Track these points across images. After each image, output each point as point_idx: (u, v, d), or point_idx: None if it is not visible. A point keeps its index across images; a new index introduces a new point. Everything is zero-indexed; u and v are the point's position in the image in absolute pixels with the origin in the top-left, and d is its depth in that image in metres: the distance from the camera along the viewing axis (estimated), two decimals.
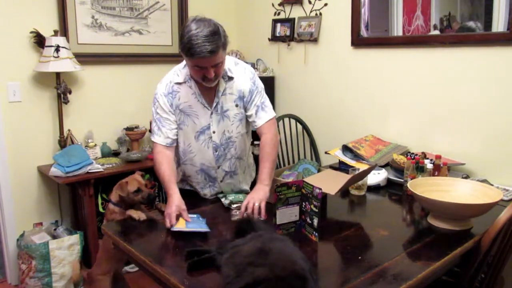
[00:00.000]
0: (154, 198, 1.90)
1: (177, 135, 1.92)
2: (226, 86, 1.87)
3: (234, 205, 1.84)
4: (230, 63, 1.90)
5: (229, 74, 1.87)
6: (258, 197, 1.70)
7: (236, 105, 1.90)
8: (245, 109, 1.93)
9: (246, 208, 1.68)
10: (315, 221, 1.52)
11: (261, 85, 1.96)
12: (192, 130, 1.90)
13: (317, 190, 1.50)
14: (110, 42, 3.00)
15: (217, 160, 1.95)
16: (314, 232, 1.53)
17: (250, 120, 1.95)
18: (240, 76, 1.90)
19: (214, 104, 1.87)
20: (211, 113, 1.88)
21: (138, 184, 1.88)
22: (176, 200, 1.70)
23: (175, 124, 1.89)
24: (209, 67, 1.69)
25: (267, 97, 1.97)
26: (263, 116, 1.92)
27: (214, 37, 1.64)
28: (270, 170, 1.83)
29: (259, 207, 1.67)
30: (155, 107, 1.90)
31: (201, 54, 1.63)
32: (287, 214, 1.58)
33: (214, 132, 1.90)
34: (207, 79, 1.74)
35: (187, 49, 1.65)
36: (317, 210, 1.51)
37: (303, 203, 1.58)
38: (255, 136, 2.04)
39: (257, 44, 3.49)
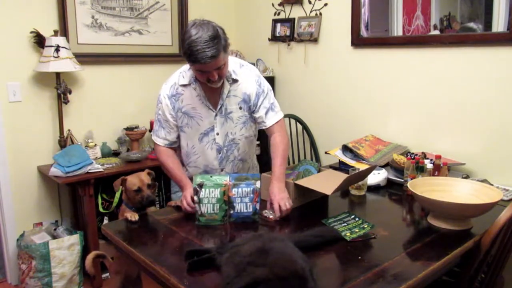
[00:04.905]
0: (151, 202, 1.83)
1: (177, 138, 1.93)
2: (231, 89, 1.87)
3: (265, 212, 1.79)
4: (235, 65, 1.89)
5: (234, 76, 1.86)
6: (286, 197, 1.74)
7: (240, 108, 1.90)
8: (252, 112, 1.93)
9: (279, 209, 1.71)
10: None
11: (268, 87, 1.95)
12: (196, 132, 1.90)
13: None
14: (110, 42, 3.00)
15: (220, 162, 1.96)
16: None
17: (259, 121, 1.95)
18: (245, 79, 1.89)
19: (219, 106, 1.87)
20: (215, 115, 1.88)
21: (139, 183, 1.82)
22: (189, 187, 1.79)
23: (175, 128, 1.91)
24: (212, 71, 1.69)
25: (274, 98, 1.98)
26: (273, 116, 1.93)
27: (214, 41, 1.62)
28: (284, 168, 1.88)
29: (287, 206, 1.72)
30: (158, 107, 1.91)
31: (202, 60, 1.62)
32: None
33: (217, 134, 1.90)
34: (211, 81, 1.74)
35: (188, 55, 1.65)
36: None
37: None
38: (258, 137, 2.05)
39: (257, 44, 3.49)
